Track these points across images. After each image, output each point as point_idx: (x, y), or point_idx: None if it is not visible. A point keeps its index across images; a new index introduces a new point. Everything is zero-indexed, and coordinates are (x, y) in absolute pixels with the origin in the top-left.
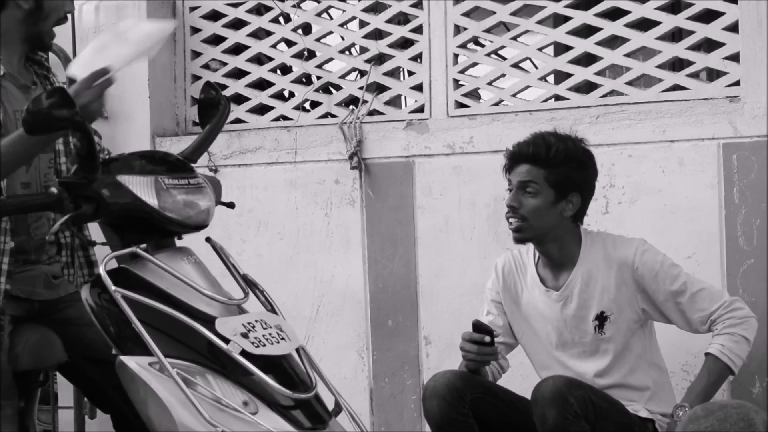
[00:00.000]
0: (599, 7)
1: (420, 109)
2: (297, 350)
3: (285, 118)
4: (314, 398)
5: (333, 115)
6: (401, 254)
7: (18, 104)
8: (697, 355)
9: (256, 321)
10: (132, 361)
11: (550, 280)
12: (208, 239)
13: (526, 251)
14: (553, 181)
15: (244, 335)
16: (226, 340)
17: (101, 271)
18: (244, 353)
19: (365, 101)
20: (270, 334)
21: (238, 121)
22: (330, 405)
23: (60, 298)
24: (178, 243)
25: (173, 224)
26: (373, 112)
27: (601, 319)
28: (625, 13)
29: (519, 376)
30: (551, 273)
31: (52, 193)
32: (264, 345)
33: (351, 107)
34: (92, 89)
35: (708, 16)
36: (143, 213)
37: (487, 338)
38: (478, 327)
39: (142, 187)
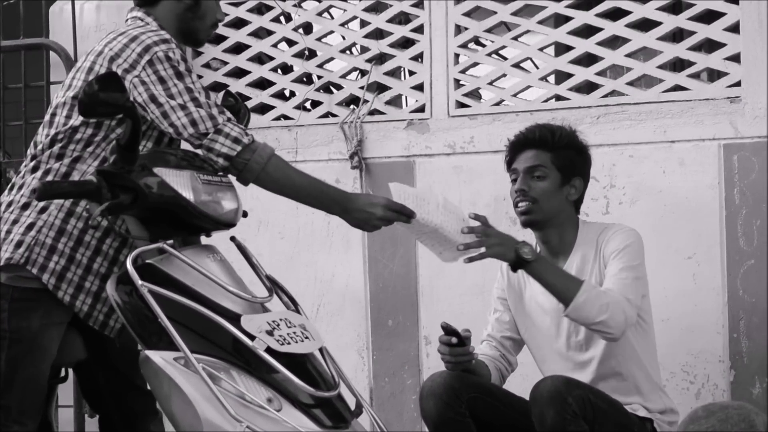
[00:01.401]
0: (600, 8)
1: (421, 109)
2: (320, 350)
3: (286, 117)
4: (337, 398)
5: (334, 115)
6: (401, 254)
7: None
8: (697, 355)
9: (281, 319)
10: (157, 356)
11: None
12: (232, 238)
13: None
14: (560, 165)
15: (269, 333)
16: (252, 337)
17: (128, 265)
18: (269, 350)
19: (366, 101)
20: (294, 333)
21: None
22: (352, 405)
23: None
24: (203, 241)
25: (205, 220)
26: (373, 112)
27: None
28: (626, 13)
29: (519, 376)
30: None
31: (92, 181)
32: (289, 343)
33: (352, 107)
34: (387, 213)
35: (709, 16)
36: (178, 207)
37: (454, 339)
38: (446, 329)
39: (179, 181)
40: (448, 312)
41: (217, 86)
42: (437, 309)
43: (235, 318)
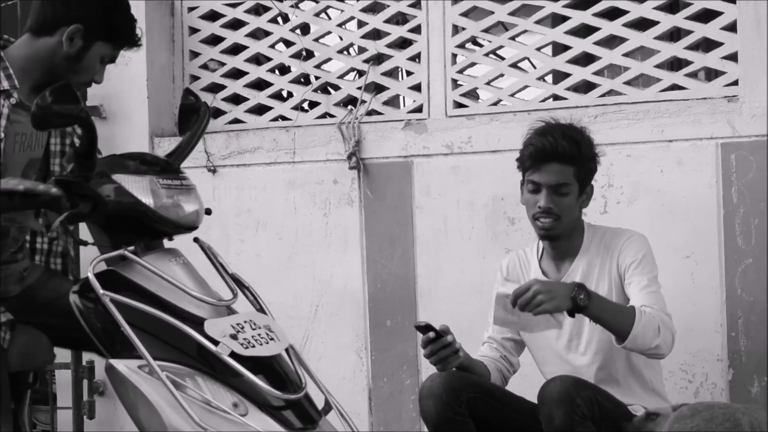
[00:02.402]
0: (597, 7)
1: (418, 109)
2: (286, 349)
3: (283, 118)
4: (304, 398)
5: (331, 115)
6: (400, 254)
7: (20, 127)
8: (695, 354)
9: (245, 322)
10: (121, 364)
11: (552, 272)
12: (196, 239)
13: (531, 249)
14: (580, 177)
15: (233, 336)
16: (216, 342)
17: (89, 274)
18: (233, 355)
19: (364, 101)
20: (259, 335)
21: (236, 121)
22: (320, 403)
23: (29, 285)
24: (167, 244)
25: (167, 224)
26: (371, 112)
27: None
28: (623, 12)
29: (519, 376)
30: (554, 265)
31: (49, 190)
32: (253, 346)
33: (349, 107)
34: None
35: (706, 15)
36: (138, 212)
37: (432, 334)
38: (419, 327)
39: (138, 187)
40: (447, 312)
41: (215, 87)
42: (436, 309)
43: (199, 322)
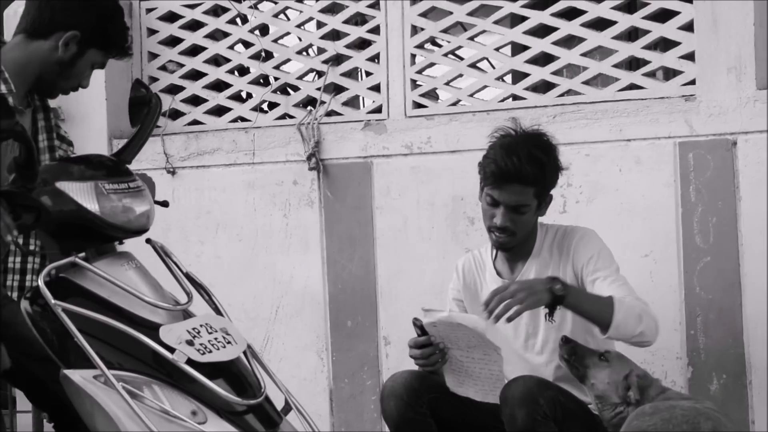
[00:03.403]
0: (556, 7)
1: (378, 110)
2: (244, 351)
3: (243, 119)
4: (265, 401)
5: (291, 116)
6: (360, 255)
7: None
8: (654, 353)
9: (201, 326)
10: (76, 375)
11: (506, 273)
12: (148, 240)
13: (485, 249)
14: (541, 194)
15: (190, 342)
16: (171, 349)
17: (40, 283)
18: (190, 361)
19: (323, 102)
20: (216, 339)
21: (195, 122)
22: (279, 404)
23: None
24: (120, 248)
25: (114, 230)
26: (330, 113)
27: (551, 307)
28: (581, 12)
29: None
30: (508, 266)
31: None
32: (210, 351)
33: (309, 108)
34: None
35: (663, 15)
36: (84, 220)
37: (426, 338)
38: (417, 325)
39: (82, 193)
40: (407, 313)
41: (173, 88)
42: (396, 309)
43: (155, 328)
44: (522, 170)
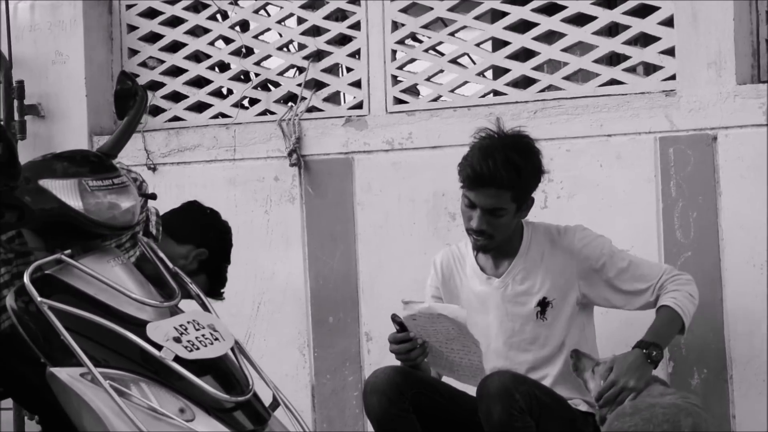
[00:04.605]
0: (536, 3)
1: (359, 106)
2: (231, 347)
3: (224, 115)
4: (253, 397)
5: (272, 112)
6: (341, 251)
7: None
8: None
9: (189, 322)
10: (63, 373)
11: (490, 269)
12: (138, 237)
13: (465, 244)
14: (519, 198)
15: (177, 339)
16: (159, 347)
17: (26, 280)
18: (177, 358)
19: (304, 98)
20: (203, 336)
21: (176, 118)
22: (267, 400)
23: None
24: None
25: (99, 227)
26: (311, 109)
27: (543, 305)
28: (561, 8)
29: None
30: (492, 261)
31: None
32: (198, 348)
33: (290, 104)
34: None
35: (643, 10)
36: (68, 217)
37: (405, 334)
38: (397, 321)
39: (65, 191)
40: (388, 309)
41: (154, 85)
42: (378, 305)
43: (142, 325)
44: (497, 174)
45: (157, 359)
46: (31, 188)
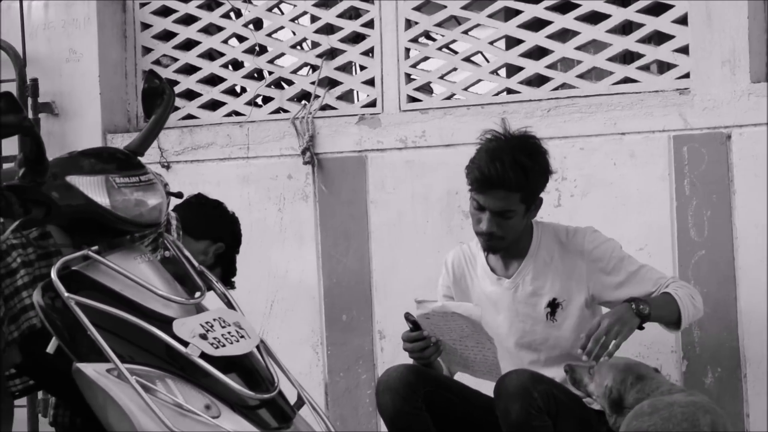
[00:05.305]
0: (549, 1)
1: (372, 104)
2: (257, 345)
3: (237, 113)
4: (278, 395)
5: (285, 111)
6: (355, 249)
7: None
8: (649, 346)
9: (215, 320)
10: (89, 368)
11: (501, 269)
12: (161, 235)
13: (476, 243)
14: (527, 199)
15: (203, 336)
16: (185, 343)
17: (53, 276)
18: (203, 355)
19: (317, 96)
20: (229, 333)
21: (190, 116)
22: (292, 398)
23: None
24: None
25: (125, 224)
26: (325, 107)
27: (553, 306)
28: (575, 6)
29: None
30: (502, 262)
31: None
32: (224, 345)
33: (303, 102)
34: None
35: (657, 8)
36: (95, 214)
37: (418, 332)
38: (410, 320)
39: (92, 188)
40: (402, 307)
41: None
42: (391, 304)
43: (168, 322)
44: (505, 176)
45: (182, 356)
46: (58, 184)
